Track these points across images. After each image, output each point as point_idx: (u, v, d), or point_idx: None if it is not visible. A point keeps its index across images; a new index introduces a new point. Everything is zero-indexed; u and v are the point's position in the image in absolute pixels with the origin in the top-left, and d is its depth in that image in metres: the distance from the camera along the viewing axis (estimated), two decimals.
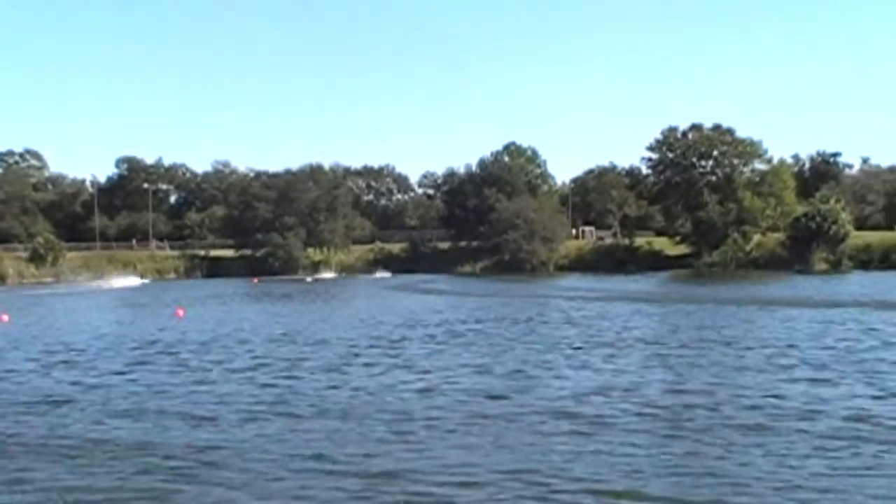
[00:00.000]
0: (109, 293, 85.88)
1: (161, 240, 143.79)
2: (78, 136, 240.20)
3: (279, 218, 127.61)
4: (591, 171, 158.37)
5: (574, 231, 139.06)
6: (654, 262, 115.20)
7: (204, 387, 24.83)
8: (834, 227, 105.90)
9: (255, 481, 14.92)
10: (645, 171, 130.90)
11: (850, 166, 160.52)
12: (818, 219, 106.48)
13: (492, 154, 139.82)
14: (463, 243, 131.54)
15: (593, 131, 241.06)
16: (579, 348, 31.85)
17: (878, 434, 17.26)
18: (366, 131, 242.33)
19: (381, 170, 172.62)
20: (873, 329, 36.19)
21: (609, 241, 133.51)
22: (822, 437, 17.10)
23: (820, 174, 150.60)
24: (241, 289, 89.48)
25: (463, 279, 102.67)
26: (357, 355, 31.22)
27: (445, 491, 14.12)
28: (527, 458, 16.03)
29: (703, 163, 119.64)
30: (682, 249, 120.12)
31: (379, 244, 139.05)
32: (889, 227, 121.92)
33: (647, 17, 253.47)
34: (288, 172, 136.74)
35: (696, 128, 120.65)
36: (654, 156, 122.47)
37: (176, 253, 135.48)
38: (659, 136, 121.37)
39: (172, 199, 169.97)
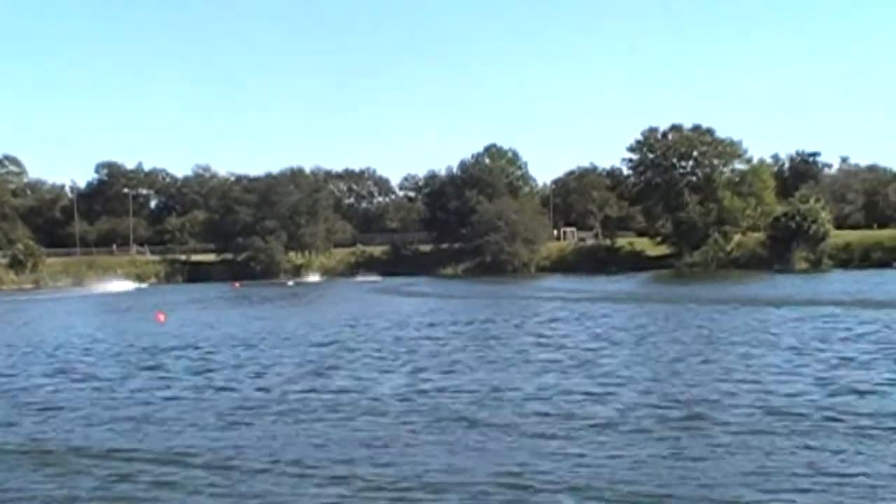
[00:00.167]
0: (94, 298, 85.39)
1: (142, 245, 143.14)
2: (57, 142, 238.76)
3: (260, 222, 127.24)
4: (571, 173, 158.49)
5: (555, 232, 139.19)
6: (636, 263, 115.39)
7: (184, 392, 24.74)
8: (814, 227, 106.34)
9: (236, 487, 14.85)
10: (626, 171, 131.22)
11: (830, 166, 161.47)
12: (798, 218, 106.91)
13: (473, 156, 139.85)
14: (444, 245, 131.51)
15: (574, 132, 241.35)
16: (560, 348, 31.91)
17: (858, 431, 17.34)
18: (346, 134, 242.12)
19: (361, 173, 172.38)
20: (852, 328, 36.38)
21: (590, 242, 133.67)
22: (803, 433, 17.17)
23: (799, 174, 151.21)
24: (221, 293, 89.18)
25: (445, 281, 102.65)
26: (339, 358, 31.18)
27: (427, 494, 14.10)
28: (508, 460, 16.02)
29: (683, 163, 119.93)
30: (663, 250, 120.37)
31: (360, 247, 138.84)
32: (868, 226, 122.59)
33: (629, 19, 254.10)
34: (269, 176, 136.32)
35: (676, 128, 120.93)
36: (635, 156, 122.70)
37: (157, 258, 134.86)
38: (639, 137, 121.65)
39: (153, 203, 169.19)
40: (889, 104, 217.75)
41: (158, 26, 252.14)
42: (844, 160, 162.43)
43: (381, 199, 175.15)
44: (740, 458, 15.71)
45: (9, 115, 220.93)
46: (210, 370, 29.08)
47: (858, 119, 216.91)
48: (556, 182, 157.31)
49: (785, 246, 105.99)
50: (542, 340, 35.08)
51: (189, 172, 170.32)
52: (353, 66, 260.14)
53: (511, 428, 18.62)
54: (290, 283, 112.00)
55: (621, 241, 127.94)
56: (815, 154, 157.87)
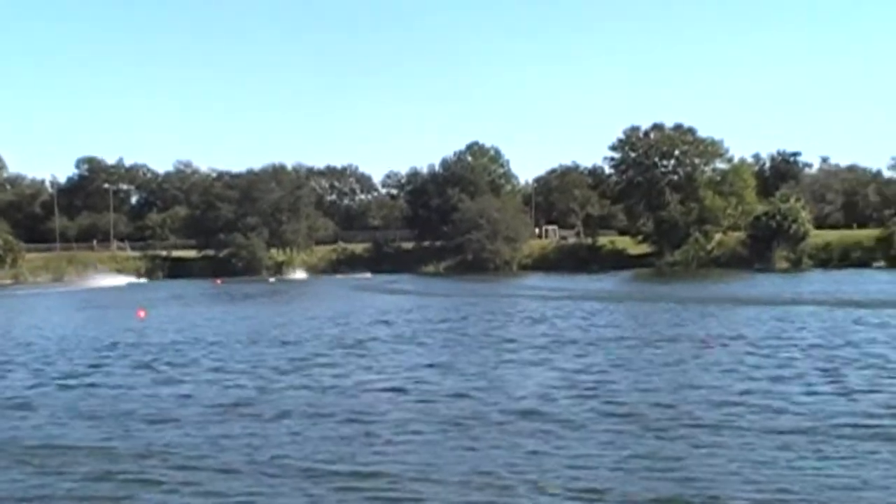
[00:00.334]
0: (81, 294, 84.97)
1: (122, 240, 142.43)
2: (37, 137, 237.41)
3: (242, 218, 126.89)
4: (553, 171, 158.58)
5: (537, 230, 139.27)
6: (617, 262, 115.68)
7: (166, 389, 24.68)
8: (794, 226, 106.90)
9: (214, 485, 14.82)
10: (607, 170, 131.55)
11: (810, 165, 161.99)
12: (778, 218, 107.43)
13: (455, 154, 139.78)
14: (426, 243, 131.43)
15: (556, 131, 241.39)
16: (542, 347, 31.96)
17: (838, 430, 17.45)
18: (329, 131, 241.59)
19: (343, 170, 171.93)
20: (833, 327, 36.60)
21: (572, 240, 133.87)
22: (783, 433, 17.26)
23: (780, 173, 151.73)
24: (203, 290, 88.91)
25: (427, 279, 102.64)
26: (321, 355, 31.15)
27: (411, 491, 14.11)
28: (487, 459, 16.04)
29: (664, 162, 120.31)
30: (645, 248, 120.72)
31: (342, 244, 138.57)
32: (848, 226, 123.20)
33: (612, 19, 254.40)
34: (250, 173, 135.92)
35: (657, 127, 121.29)
36: (617, 155, 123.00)
37: (137, 254, 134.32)
38: (621, 136, 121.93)
39: (133, 199, 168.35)
40: (869, 104, 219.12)
41: (140, 22, 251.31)
42: (825, 160, 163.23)
43: (363, 196, 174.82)
44: (720, 457, 15.77)
45: None
46: (190, 367, 28.99)
47: (839, 119, 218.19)
48: (538, 180, 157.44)
49: (765, 245, 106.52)
50: (523, 339, 35.12)
51: (170, 168, 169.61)
52: (336, 63, 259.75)
53: (491, 427, 18.65)
54: (272, 279, 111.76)
55: (603, 240, 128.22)
56: (795, 154, 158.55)
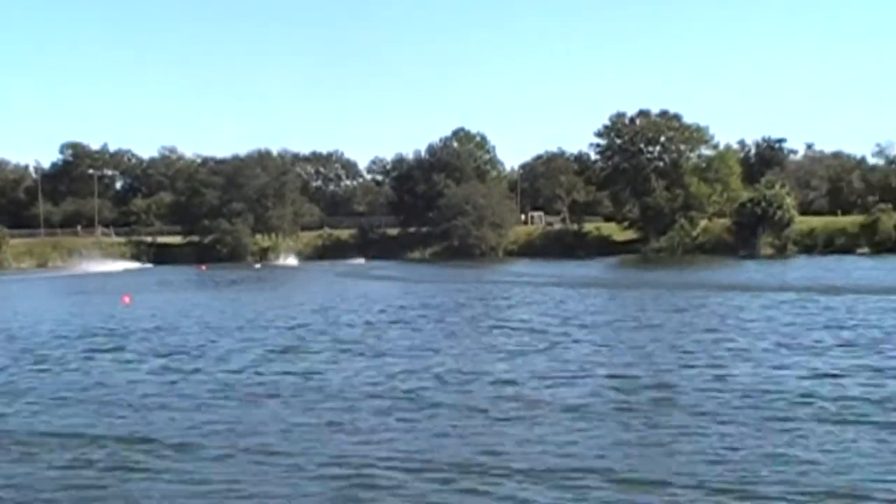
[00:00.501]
0: (66, 280, 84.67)
1: (107, 226, 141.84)
2: (21, 122, 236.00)
3: (227, 204, 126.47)
4: (539, 157, 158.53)
5: (523, 217, 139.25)
6: (603, 248, 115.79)
7: (149, 376, 24.62)
8: (779, 213, 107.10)
9: (199, 472, 14.79)
10: (593, 156, 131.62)
11: (795, 152, 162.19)
12: (763, 204, 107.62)
13: (441, 140, 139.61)
14: (412, 229, 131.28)
15: (542, 117, 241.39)
16: (528, 332, 32.00)
17: (822, 414, 17.54)
18: (314, 117, 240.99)
19: (329, 156, 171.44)
20: (817, 312, 36.77)
21: (558, 226, 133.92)
22: (768, 418, 17.32)
23: (765, 160, 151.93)
24: (188, 276, 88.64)
25: (412, 265, 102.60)
26: (306, 342, 31.12)
27: (396, 477, 14.11)
28: (474, 443, 16.06)
29: (650, 149, 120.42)
30: (630, 235, 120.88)
31: (328, 230, 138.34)
32: (832, 213, 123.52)
33: (596, 5, 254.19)
34: (236, 158, 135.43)
35: (643, 114, 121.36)
36: (603, 142, 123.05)
37: (122, 240, 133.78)
38: (607, 123, 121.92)
39: (118, 185, 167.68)
40: (854, 91, 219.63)
41: (125, 7, 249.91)
42: (809, 147, 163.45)
43: (348, 182, 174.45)
44: (707, 440, 15.83)
45: None
46: (175, 353, 28.92)
47: (824, 106, 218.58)
48: (523, 166, 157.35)
49: (750, 231, 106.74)
50: (509, 324, 35.17)
51: (155, 154, 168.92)
52: (322, 49, 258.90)
53: (477, 412, 18.67)
54: (257, 265, 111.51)
55: (588, 226, 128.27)
56: (780, 140, 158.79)
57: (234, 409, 19.53)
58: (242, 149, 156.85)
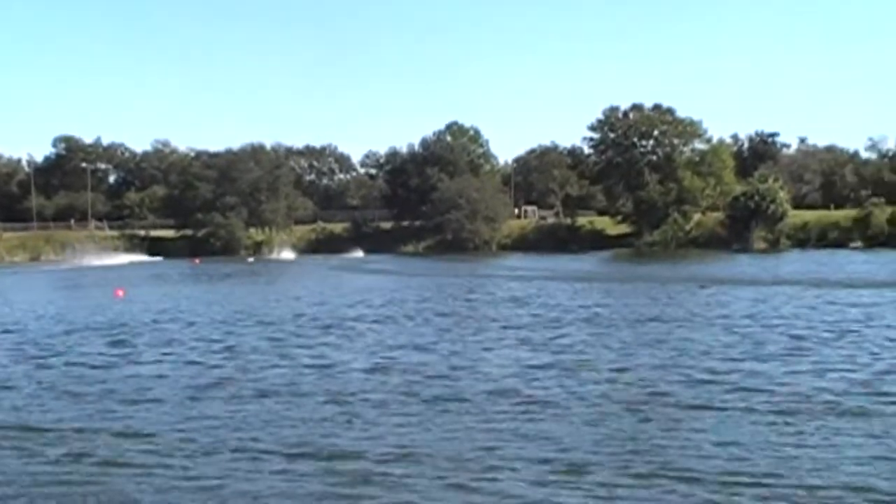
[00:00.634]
0: (56, 273, 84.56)
1: (100, 220, 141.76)
2: (14, 115, 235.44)
3: (220, 198, 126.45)
4: (533, 151, 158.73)
5: (516, 210, 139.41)
6: (596, 242, 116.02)
7: (144, 368, 24.54)
8: (772, 207, 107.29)
9: (193, 466, 14.76)
10: (587, 150, 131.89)
11: (788, 146, 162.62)
12: (757, 198, 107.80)
13: (434, 134, 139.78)
14: (405, 223, 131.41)
15: (535, 111, 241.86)
16: (522, 327, 32.00)
17: (815, 409, 17.56)
18: (308, 111, 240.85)
19: (322, 149, 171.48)
20: (810, 306, 36.83)
21: (551, 220, 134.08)
22: (762, 412, 17.34)
23: (758, 154, 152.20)
24: (181, 269, 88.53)
25: (406, 259, 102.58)
26: (301, 335, 31.08)
27: (390, 472, 14.10)
28: (471, 437, 16.05)
29: (643, 142, 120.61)
30: (624, 229, 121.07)
31: (321, 224, 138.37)
32: (825, 207, 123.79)
33: None
34: (229, 152, 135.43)
35: (636, 108, 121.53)
36: (596, 136, 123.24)
37: (115, 233, 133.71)
38: (600, 116, 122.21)
39: (111, 178, 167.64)
40: (847, 86, 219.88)
41: (117, 1, 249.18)
42: (803, 140, 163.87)
43: (341, 176, 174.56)
44: (700, 435, 15.83)
45: None
46: (169, 347, 28.84)
47: (817, 100, 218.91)
48: (517, 160, 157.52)
49: (744, 225, 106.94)
50: (502, 319, 35.16)
51: (148, 147, 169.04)
52: (315, 43, 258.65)
53: (472, 406, 18.65)
54: (250, 259, 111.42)
55: (582, 220, 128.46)
56: (773, 134, 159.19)
57: (228, 403, 19.47)
58: (236, 142, 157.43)
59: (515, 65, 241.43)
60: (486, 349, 27.01)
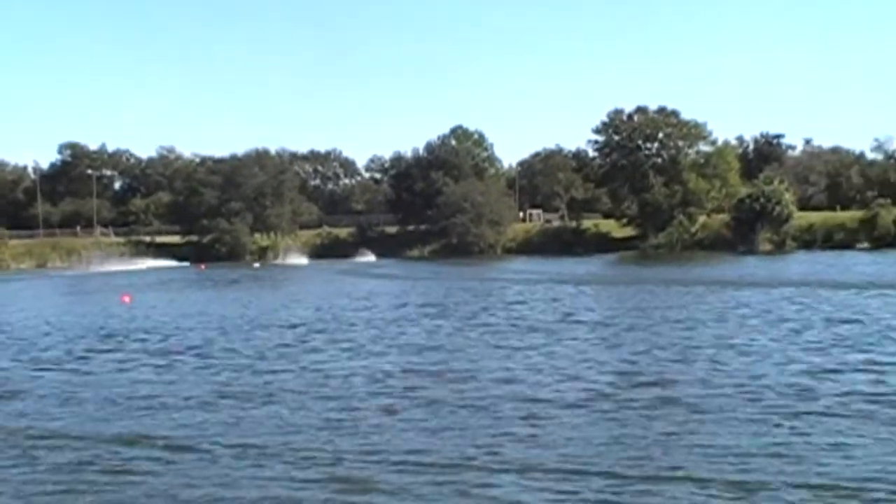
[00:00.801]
0: (59, 279, 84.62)
1: (105, 226, 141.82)
2: (19, 122, 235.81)
3: (225, 203, 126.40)
4: (537, 154, 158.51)
5: (521, 214, 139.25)
6: (601, 245, 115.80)
7: (149, 375, 24.56)
8: (777, 208, 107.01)
9: (198, 471, 14.75)
10: (591, 153, 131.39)
11: (793, 147, 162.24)
12: (762, 200, 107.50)
13: (439, 138, 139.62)
14: (410, 227, 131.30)
15: (540, 115, 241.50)
16: (527, 330, 31.98)
17: (822, 409, 17.53)
18: (312, 115, 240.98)
19: (327, 154, 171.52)
20: (817, 307, 36.77)
21: (556, 223, 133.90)
22: (768, 413, 17.31)
23: (763, 155, 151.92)
24: (187, 275, 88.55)
25: (411, 263, 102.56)
26: (307, 340, 31.10)
27: (397, 475, 14.09)
28: (475, 440, 16.03)
29: (648, 145, 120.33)
30: (629, 231, 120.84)
31: (326, 229, 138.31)
32: (831, 208, 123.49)
33: (592, 1, 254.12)
34: (234, 158, 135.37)
35: (641, 110, 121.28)
36: (601, 138, 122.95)
37: (121, 239, 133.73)
38: (605, 119, 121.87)
39: (117, 185, 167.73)
40: (852, 86, 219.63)
41: (121, 6, 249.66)
42: (808, 142, 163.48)
43: (346, 180, 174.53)
44: (707, 436, 15.81)
45: None
46: (175, 353, 28.88)
47: (822, 101, 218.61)
48: (521, 164, 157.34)
49: (749, 227, 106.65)
50: (508, 321, 35.14)
51: (153, 154, 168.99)
52: (320, 48, 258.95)
53: (478, 409, 18.64)
54: (256, 265, 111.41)
55: (587, 223, 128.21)
56: (779, 136, 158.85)
57: (234, 408, 19.49)
58: (240, 148, 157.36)
59: (519, 68, 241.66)
60: (490, 351, 26.99)
